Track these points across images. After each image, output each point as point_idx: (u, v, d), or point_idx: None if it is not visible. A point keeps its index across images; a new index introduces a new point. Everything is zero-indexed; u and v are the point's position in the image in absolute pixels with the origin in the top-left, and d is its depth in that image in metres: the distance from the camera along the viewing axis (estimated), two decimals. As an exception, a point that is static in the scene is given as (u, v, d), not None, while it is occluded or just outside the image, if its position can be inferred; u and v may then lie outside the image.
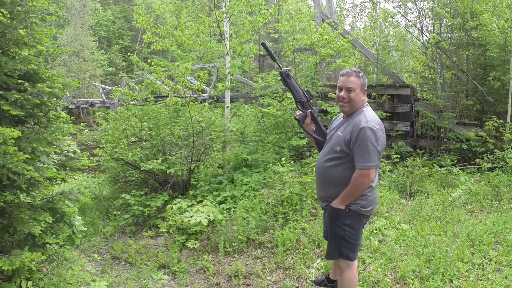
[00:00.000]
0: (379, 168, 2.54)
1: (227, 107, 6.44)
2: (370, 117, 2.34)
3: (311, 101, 2.62)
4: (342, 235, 2.46)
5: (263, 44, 2.77)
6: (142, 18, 6.24)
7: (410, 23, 9.67)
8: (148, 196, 4.99)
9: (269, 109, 5.97)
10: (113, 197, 5.63)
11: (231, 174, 5.46)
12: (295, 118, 2.59)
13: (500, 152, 6.36)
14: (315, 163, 5.25)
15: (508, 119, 7.36)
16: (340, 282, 2.63)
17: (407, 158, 6.20)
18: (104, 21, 29.50)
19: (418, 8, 8.95)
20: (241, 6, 6.10)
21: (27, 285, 2.60)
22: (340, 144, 2.39)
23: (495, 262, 3.43)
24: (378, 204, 4.71)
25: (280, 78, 2.66)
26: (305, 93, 2.61)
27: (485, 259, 3.51)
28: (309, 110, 2.62)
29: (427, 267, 3.35)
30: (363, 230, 2.64)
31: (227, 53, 6.29)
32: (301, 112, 2.61)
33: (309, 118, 2.60)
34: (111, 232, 4.70)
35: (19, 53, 2.74)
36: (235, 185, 5.11)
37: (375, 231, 4.10)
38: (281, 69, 2.63)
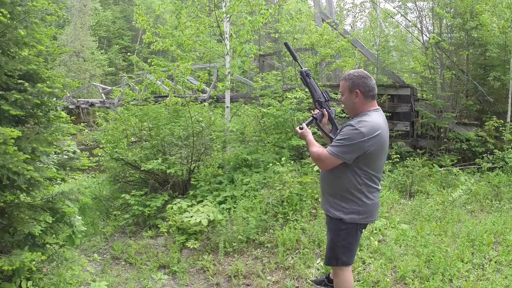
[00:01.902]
0: (377, 174, 2.43)
1: (227, 107, 6.44)
2: (366, 120, 2.26)
3: (328, 102, 2.63)
4: (338, 242, 2.45)
5: (286, 44, 2.79)
6: (142, 18, 6.24)
7: (410, 23, 9.68)
8: (148, 196, 4.99)
9: (269, 109, 5.97)
10: (113, 197, 5.63)
11: (231, 174, 5.46)
12: (312, 116, 2.59)
13: (500, 152, 6.36)
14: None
15: (508, 119, 7.36)
16: (335, 283, 2.64)
17: (407, 158, 6.20)
18: (104, 21, 29.49)
19: (418, 8, 8.97)
20: (241, 6, 6.10)
21: (27, 285, 2.60)
22: None
23: (495, 262, 3.43)
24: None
25: (300, 77, 2.68)
26: (324, 93, 2.61)
27: (485, 259, 3.51)
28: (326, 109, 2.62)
29: (427, 267, 3.35)
30: (361, 234, 2.59)
31: (227, 53, 6.29)
32: (318, 111, 2.62)
33: (326, 117, 2.60)
34: (111, 232, 4.70)
35: (19, 53, 2.74)
36: (235, 185, 5.11)
37: (375, 231, 4.11)
38: (302, 68, 2.64)
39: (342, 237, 2.43)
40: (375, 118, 2.31)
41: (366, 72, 2.40)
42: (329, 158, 2.28)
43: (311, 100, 6.70)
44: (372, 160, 2.32)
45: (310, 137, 2.48)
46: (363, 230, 2.59)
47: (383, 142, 2.33)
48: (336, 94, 6.49)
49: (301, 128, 2.51)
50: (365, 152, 2.25)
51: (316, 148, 2.39)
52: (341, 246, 2.45)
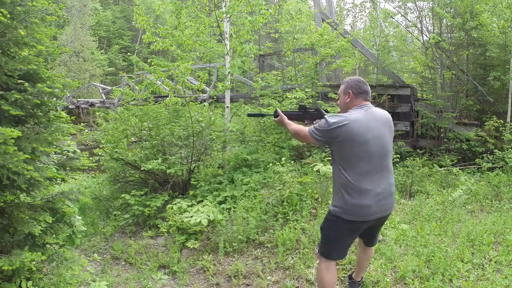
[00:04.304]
0: (367, 176, 2.42)
1: (227, 107, 6.44)
2: (339, 115, 2.45)
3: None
4: (324, 231, 2.57)
5: (249, 115, 3.35)
6: (142, 18, 6.23)
7: (410, 23, 9.69)
8: (148, 196, 4.99)
9: (269, 109, 5.97)
10: (113, 197, 5.63)
11: (231, 174, 5.46)
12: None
13: (500, 152, 6.36)
14: (315, 164, 5.27)
15: (508, 119, 7.36)
16: (316, 273, 2.71)
17: (407, 158, 6.20)
18: (104, 21, 29.50)
19: (418, 8, 8.98)
20: (241, 6, 6.10)
21: (27, 285, 2.60)
22: None
23: (495, 262, 3.42)
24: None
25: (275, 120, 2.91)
26: (301, 109, 2.87)
27: (485, 259, 3.51)
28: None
29: (427, 267, 3.35)
30: (352, 235, 2.53)
31: (227, 53, 6.29)
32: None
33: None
34: (111, 232, 4.70)
35: (19, 53, 2.73)
36: (235, 185, 5.11)
37: (375, 231, 4.10)
38: (272, 114, 2.91)
39: (327, 226, 2.54)
40: (351, 114, 2.42)
41: (363, 80, 2.59)
42: (306, 134, 2.55)
43: (311, 100, 6.72)
44: (350, 157, 2.36)
45: (286, 120, 2.81)
46: (358, 232, 2.54)
47: (354, 134, 2.32)
48: (336, 94, 6.51)
49: (275, 117, 2.84)
50: (333, 140, 2.38)
51: (294, 125, 2.73)
52: (324, 235, 2.57)
